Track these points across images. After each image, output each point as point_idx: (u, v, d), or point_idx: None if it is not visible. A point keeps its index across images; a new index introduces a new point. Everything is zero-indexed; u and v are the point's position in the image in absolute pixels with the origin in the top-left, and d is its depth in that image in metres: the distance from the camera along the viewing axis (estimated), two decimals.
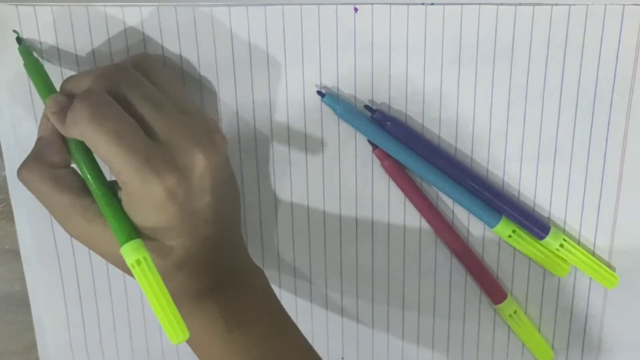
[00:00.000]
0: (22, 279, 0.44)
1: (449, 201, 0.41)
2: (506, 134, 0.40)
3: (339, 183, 0.41)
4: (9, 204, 0.43)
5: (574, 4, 0.38)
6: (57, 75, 0.39)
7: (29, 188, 0.34)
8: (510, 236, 0.41)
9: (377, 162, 0.41)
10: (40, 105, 0.36)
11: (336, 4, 0.38)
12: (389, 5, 0.38)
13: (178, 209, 0.33)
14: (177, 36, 0.38)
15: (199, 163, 0.33)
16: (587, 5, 0.38)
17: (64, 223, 0.35)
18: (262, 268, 0.39)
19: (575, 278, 0.43)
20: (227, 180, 0.37)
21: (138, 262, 0.32)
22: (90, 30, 0.38)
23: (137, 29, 0.38)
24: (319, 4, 0.38)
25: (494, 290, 0.43)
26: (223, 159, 0.35)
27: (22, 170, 0.34)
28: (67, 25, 0.38)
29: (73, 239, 0.38)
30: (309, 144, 0.41)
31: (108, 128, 0.31)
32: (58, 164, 0.34)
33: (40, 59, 0.38)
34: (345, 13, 0.38)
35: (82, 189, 0.34)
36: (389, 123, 0.39)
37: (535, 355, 0.44)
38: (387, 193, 0.41)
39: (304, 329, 0.38)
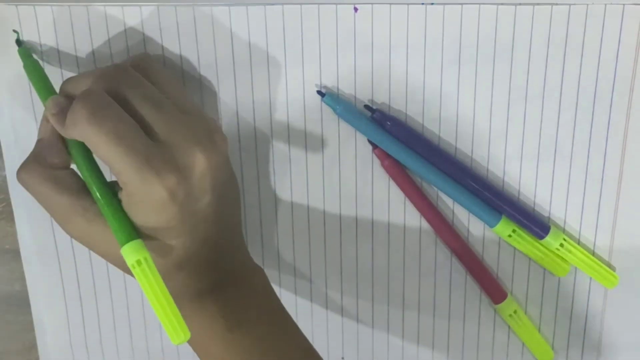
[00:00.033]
0: (22, 279, 0.44)
1: (449, 201, 0.41)
2: (506, 134, 0.40)
3: (339, 183, 0.41)
4: (9, 204, 0.43)
5: (574, 4, 0.38)
6: (57, 76, 0.39)
7: (28, 190, 0.34)
8: (510, 236, 0.41)
9: (377, 162, 0.41)
10: (40, 105, 0.36)
11: (336, 4, 0.38)
12: (389, 5, 0.38)
13: (178, 209, 0.33)
14: (177, 36, 0.38)
15: (199, 163, 0.33)
16: (587, 4, 0.38)
17: (64, 224, 0.34)
18: (262, 267, 0.39)
19: (575, 278, 0.43)
20: (228, 180, 0.37)
21: (138, 262, 0.32)
22: (90, 30, 0.38)
23: (137, 28, 0.38)
24: (319, 4, 0.38)
25: (494, 290, 0.43)
26: (223, 159, 0.35)
27: (21, 172, 0.34)
28: (67, 25, 0.38)
29: (73, 239, 0.38)
30: (309, 143, 0.41)
31: (108, 128, 0.31)
32: (58, 166, 0.34)
33: (40, 60, 0.38)
34: (345, 13, 0.38)
35: (82, 190, 0.34)
36: (389, 123, 0.39)
37: (535, 355, 0.44)
38: (387, 193, 0.41)
39: (304, 328, 0.38)
